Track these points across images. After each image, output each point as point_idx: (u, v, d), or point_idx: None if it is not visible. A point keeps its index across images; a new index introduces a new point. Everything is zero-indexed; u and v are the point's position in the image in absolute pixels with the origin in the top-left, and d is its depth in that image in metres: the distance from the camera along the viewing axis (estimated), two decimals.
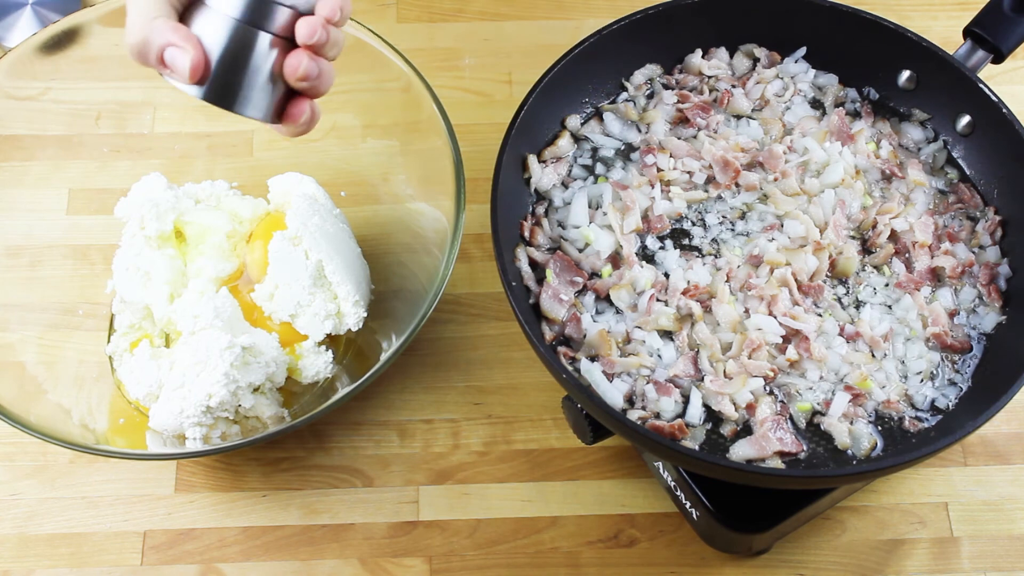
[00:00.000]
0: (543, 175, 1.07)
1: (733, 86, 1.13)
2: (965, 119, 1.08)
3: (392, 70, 1.13)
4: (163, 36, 0.79)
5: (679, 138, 1.10)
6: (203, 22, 0.81)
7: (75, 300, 1.15)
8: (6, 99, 1.14)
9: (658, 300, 1.00)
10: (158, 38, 0.79)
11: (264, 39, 0.81)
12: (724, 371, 0.97)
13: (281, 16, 0.81)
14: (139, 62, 0.81)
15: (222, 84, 0.81)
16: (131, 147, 1.23)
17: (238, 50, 0.81)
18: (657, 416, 0.96)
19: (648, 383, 0.97)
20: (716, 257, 1.03)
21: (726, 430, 0.96)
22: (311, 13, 0.82)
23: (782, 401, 0.97)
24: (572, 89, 1.10)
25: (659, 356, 0.99)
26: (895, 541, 1.06)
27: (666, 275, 1.02)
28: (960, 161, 1.09)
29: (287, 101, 0.85)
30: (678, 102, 1.12)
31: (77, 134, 1.21)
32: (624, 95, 1.13)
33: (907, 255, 1.04)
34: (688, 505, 1.00)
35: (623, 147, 1.11)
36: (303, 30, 0.81)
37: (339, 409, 1.09)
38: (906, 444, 0.95)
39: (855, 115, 1.12)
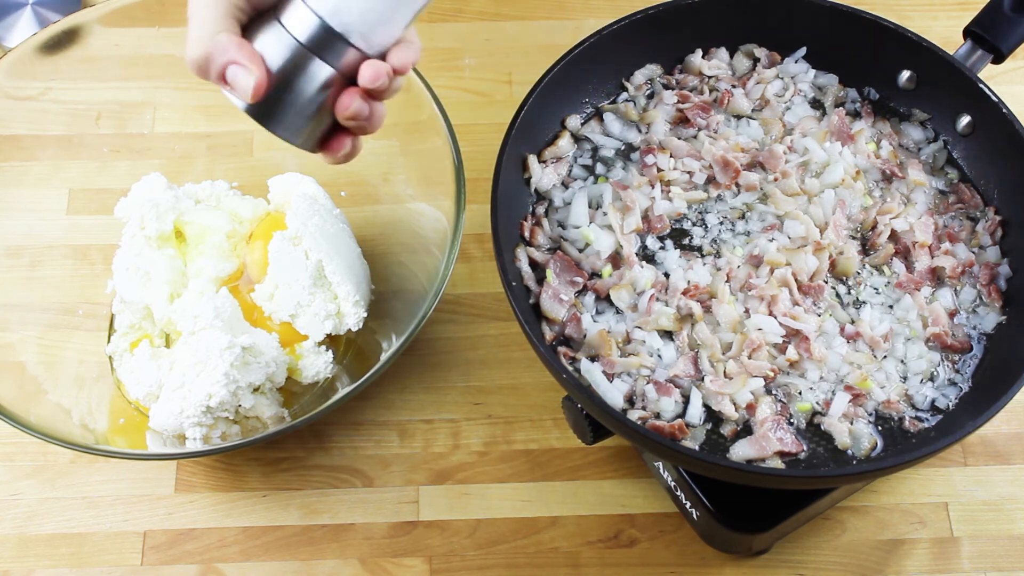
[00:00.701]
0: (543, 175, 1.07)
1: (733, 86, 1.13)
2: (965, 119, 1.08)
3: None
4: (227, 54, 0.78)
5: (679, 138, 1.10)
6: (268, 40, 0.79)
7: (75, 300, 1.15)
8: (6, 99, 1.14)
9: (658, 300, 1.00)
10: (221, 55, 0.78)
11: (325, 72, 0.79)
12: (724, 371, 0.97)
13: (349, 56, 0.79)
14: (199, 76, 0.80)
15: (272, 106, 0.80)
16: (131, 147, 1.23)
17: (297, 76, 0.79)
18: (657, 416, 0.96)
19: (648, 383, 0.97)
20: (716, 257, 1.04)
21: (726, 430, 0.96)
22: (377, 56, 0.81)
23: (782, 401, 0.97)
24: (572, 89, 1.10)
25: (659, 356, 0.99)
26: (895, 541, 1.06)
27: (666, 275, 1.02)
28: (960, 161, 1.10)
29: (332, 133, 0.84)
30: (678, 102, 1.12)
31: (77, 134, 1.21)
32: (624, 95, 1.13)
33: (907, 255, 1.04)
34: (688, 505, 1.00)
35: (623, 147, 1.11)
36: (367, 73, 0.79)
37: (339, 409, 1.09)
38: (906, 444, 0.95)
39: (855, 115, 1.12)
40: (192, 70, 0.80)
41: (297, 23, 0.78)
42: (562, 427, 1.11)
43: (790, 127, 1.11)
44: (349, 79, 0.81)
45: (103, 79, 1.20)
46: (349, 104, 0.81)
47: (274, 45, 0.79)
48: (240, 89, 0.78)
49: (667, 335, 1.00)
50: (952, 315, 1.01)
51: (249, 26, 0.80)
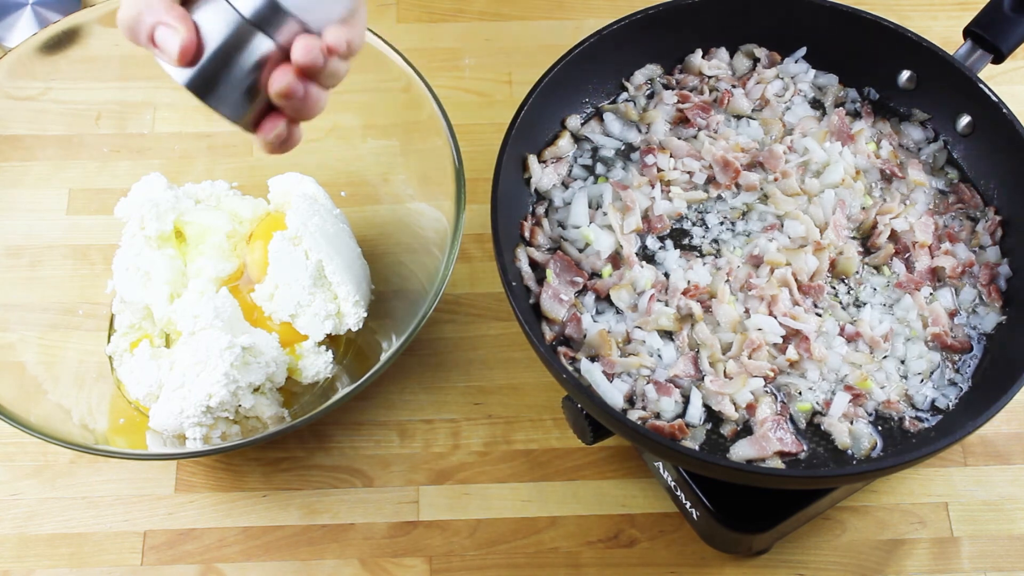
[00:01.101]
0: (543, 175, 1.07)
1: (733, 86, 1.13)
2: (965, 119, 1.08)
3: (392, 70, 1.13)
4: (156, 14, 0.76)
5: (679, 138, 1.10)
6: (207, 9, 0.78)
7: (75, 300, 1.15)
8: (6, 99, 1.13)
9: (658, 300, 1.00)
10: (150, 16, 0.76)
11: (263, 44, 0.78)
12: (724, 371, 0.97)
13: (289, 29, 0.78)
14: (129, 39, 0.78)
15: (208, 76, 0.78)
16: (131, 147, 1.23)
17: (234, 47, 0.78)
18: (657, 416, 0.96)
19: (648, 383, 0.97)
20: (716, 257, 1.04)
21: (726, 430, 0.96)
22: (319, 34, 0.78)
23: (782, 401, 0.97)
24: (572, 89, 1.10)
25: (659, 356, 0.99)
26: (895, 541, 1.06)
27: (666, 275, 1.02)
28: (960, 161, 1.09)
29: (267, 114, 0.81)
30: (678, 102, 1.12)
31: (77, 134, 1.21)
32: (624, 95, 1.13)
33: (907, 255, 1.04)
34: (688, 505, 1.00)
35: (623, 147, 1.11)
36: (299, 48, 0.77)
37: (339, 409, 1.09)
38: (906, 444, 0.95)
39: (855, 115, 1.12)
40: (123, 31, 0.78)
41: None
42: (562, 427, 1.11)
43: (790, 127, 1.11)
44: (287, 57, 0.79)
45: (103, 79, 1.20)
46: (281, 80, 0.78)
47: (212, 14, 0.77)
48: (168, 50, 0.76)
49: (667, 335, 1.00)
50: (952, 315, 1.01)
51: (189, 2, 0.79)
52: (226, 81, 0.79)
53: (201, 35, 0.78)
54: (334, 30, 0.78)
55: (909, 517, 1.07)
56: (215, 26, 0.78)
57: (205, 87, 0.79)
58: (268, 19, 0.77)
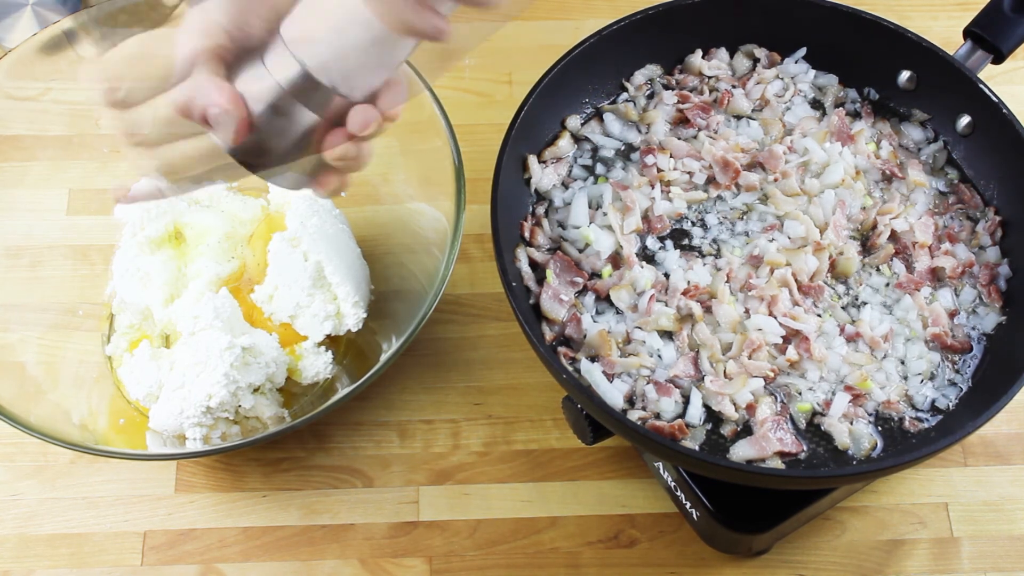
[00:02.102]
0: (543, 175, 1.07)
1: (733, 86, 1.13)
2: (965, 119, 1.08)
3: None
4: (209, 96, 0.76)
5: (679, 138, 1.10)
6: (252, 83, 0.77)
7: (75, 300, 1.15)
8: (6, 99, 1.13)
9: (658, 300, 1.00)
10: (203, 97, 0.76)
11: (308, 118, 0.78)
12: (724, 371, 0.97)
13: (333, 102, 0.77)
14: (182, 116, 0.78)
15: (254, 150, 0.78)
16: None
17: (279, 122, 0.78)
18: (657, 416, 0.96)
19: (648, 383, 0.97)
20: (716, 257, 1.04)
21: (726, 430, 0.96)
22: (363, 100, 0.78)
23: (782, 401, 0.97)
24: (572, 89, 1.10)
25: (659, 356, 0.99)
26: (895, 541, 1.06)
27: (666, 275, 1.02)
28: (960, 161, 1.09)
29: (320, 170, 0.82)
30: (678, 102, 1.12)
31: (77, 134, 1.21)
32: (624, 95, 1.13)
33: (907, 255, 1.04)
34: (688, 505, 1.00)
35: (623, 147, 1.11)
36: (356, 119, 0.78)
37: (339, 409, 1.09)
38: (906, 444, 0.95)
39: (855, 115, 1.12)
40: (175, 111, 0.78)
41: (281, 68, 0.76)
42: (562, 427, 1.11)
43: (790, 127, 1.11)
44: (334, 121, 0.79)
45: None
46: (336, 145, 0.79)
47: (257, 89, 0.77)
48: (223, 132, 0.77)
49: (667, 335, 1.00)
50: (952, 315, 1.01)
51: (234, 65, 0.78)
52: (272, 153, 0.79)
53: (249, 110, 0.77)
54: (389, 97, 0.79)
55: (909, 517, 1.07)
56: (260, 100, 0.77)
57: (252, 158, 0.79)
58: (310, 93, 0.77)
